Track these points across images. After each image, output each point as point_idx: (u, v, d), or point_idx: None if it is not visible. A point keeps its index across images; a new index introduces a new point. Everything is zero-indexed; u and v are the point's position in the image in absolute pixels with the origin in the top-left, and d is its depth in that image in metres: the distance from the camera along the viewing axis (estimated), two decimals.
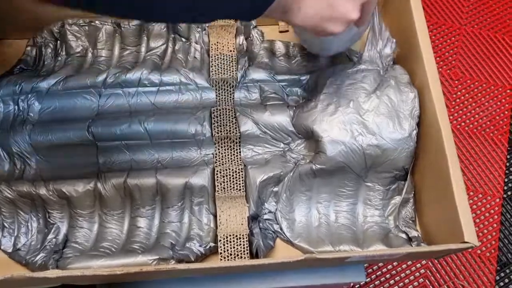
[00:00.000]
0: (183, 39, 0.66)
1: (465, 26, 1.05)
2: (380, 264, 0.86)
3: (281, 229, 0.59)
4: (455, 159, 0.51)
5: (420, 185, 0.59)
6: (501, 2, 1.08)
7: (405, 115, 0.57)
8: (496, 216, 0.90)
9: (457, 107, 0.98)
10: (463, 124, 0.97)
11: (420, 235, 0.58)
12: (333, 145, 0.56)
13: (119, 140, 0.59)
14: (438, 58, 1.02)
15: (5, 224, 0.57)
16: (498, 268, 0.87)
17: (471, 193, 0.92)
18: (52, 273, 0.48)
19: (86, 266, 0.54)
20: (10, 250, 0.56)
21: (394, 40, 0.60)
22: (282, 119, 0.60)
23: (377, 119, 0.56)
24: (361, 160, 0.57)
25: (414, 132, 0.57)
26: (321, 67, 0.64)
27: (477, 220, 0.90)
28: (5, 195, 0.56)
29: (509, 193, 0.93)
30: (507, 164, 0.94)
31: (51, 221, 0.57)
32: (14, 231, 0.57)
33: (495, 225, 0.90)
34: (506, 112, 0.98)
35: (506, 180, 0.93)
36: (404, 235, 0.58)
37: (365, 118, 0.57)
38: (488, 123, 0.97)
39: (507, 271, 0.88)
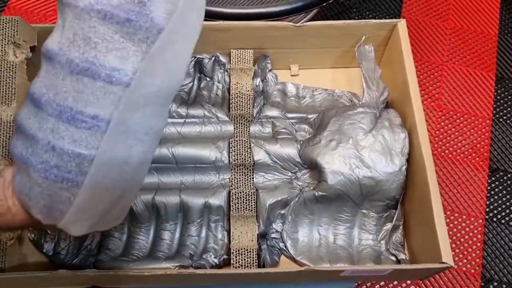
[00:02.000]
0: (208, 78, 0.73)
1: (447, 62, 1.12)
2: (369, 284, 0.91)
3: (286, 247, 0.65)
4: (436, 191, 0.57)
5: (408, 213, 0.65)
6: (479, 41, 1.15)
7: (396, 152, 0.63)
8: (479, 236, 0.95)
9: (441, 136, 1.04)
10: (447, 151, 1.02)
11: (407, 258, 0.64)
12: (333, 175, 0.62)
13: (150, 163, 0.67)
14: (423, 92, 1.08)
15: (48, 231, 0.64)
16: (482, 284, 0.92)
17: (456, 215, 0.96)
18: (91, 271, 0.54)
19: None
20: (51, 254, 0.63)
21: (388, 88, 0.68)
22: (290, 151, 0.66)
23: (372, 155, 0.63)
24: (357, 189, 0.63)
25: (404, 167, 0.63)
26: (326, 109, 0.71)
27: (462, 240, 0.94)
28: None
29: (490, 214, 0.97)
30: (488, 188, 0.99)
31: None
32: (55, 237, 0.63)
33: (478, 244, 0.94)
34: (486, 140, 1.04)
35: (487, 202, 0.98)
36: (393, 258, 0.64)
37: (362, 154, 0.63)
38: (470, 150, 1.03)
39: (491, 286, 0.92)
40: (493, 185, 1.00)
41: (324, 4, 0.82)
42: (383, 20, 0.68)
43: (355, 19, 1.18)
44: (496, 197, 0.99)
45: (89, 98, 0.35)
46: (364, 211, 0.66)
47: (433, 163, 0.60)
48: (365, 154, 0.63)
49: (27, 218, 0.40)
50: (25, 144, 0.37)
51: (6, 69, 0.65)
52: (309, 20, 0.95)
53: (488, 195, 0.99)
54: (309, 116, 0.70)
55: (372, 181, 0.63)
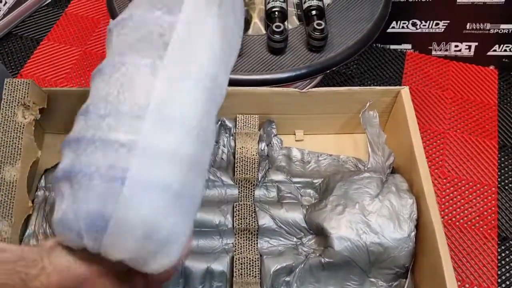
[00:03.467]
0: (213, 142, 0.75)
1: (449, 130, 1.13)
2: None
3: None
4: (448, 261, 0.56)
5: (419, 283, 0.64)
6: (479, 110, 1.16)
7: (404, 218, 0.62)
8: None
9: (447, 204, 1.02)
10: (454, 219, 1.01)
11: None
12: (340, 241, 0.61)
13: None
14: (426, 159, 1.08)
15: None
16: None
17: (467, 286, 0.93)
18: None
19: None
20: None
21: (393, 154, 0.68)
22: (296, 216, 0.65)
23: (380, 220, 0.62)
24: (365, 256, 0.62)
25: (413, 233, 0.62)
26: (332, 173, 0.71)
27: None
28: None
29: (503, 285, 0.94)
30: (499, 257, 0.96)
31: None
32: None
33: None
34: (493, 208, 1.02)
35: (499, 272, 0.95)
36: None
37: (369, 219, 0.62)
38: (477, 218, 1.01)
39: None
40: (503, 254, 0.98)
41: (328, 71, 0.84)
42: (386, 87, 0.70)
43: None
44: (507, 267, 0.96)
45: None
46: (373, 279, 0.64)
47: (443, 229, 0.58)
48: (372, 220, 0.62)
49: (63, 277, 0.38)
50: (69, 156, 0.38)
51: (14, 130, 0.65)
52: (313, 88, 0.98)
53: (499, 264, 0.97)
54: (315, 181, 0.70)
55: (380, 248, 0.62)
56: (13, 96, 0.66)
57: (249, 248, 0.64)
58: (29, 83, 0.67)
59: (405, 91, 0.69)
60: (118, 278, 0.40)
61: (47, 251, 0.38)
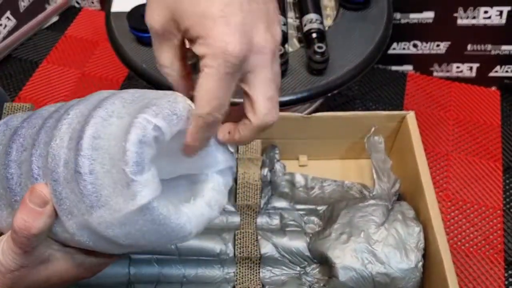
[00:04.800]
0: None
1: (452, 152, 1.11)
2: None
3: None
4: None
5: None
6: (482, 132, 1.15)
7: (411, 247, 0.61)
8: None
9: (452, 227, 1.00)
10: (459, 243, 0.98)
11: None
12: (345, 271, 0.60)
13: (151, 254, 0.64)
14: None
15: None
16: None
17: None
18: None
19: None
20: None
21: (399, 180, 0.67)
22: (299, 244, 0.64)
23: (386, 250, 0.61)
24: (371, 286, 0.60)
25: (420, 263, 0.60)
26: (336, 200, 0.70)
27: None
28: None
29: None
30: (506, 282, 0.94)
31: None
32: None
33: None
34: (499, 232, 1.00)
35: None
36: None
37: (375, 248, 0.61)
38: (483, 242, 0.98)
39: None
40: (510, 279, 0.96)
41: (329, 94, 0.83)
42: (392, 112, 0.69)
43: (358, 109, 1.20)
44: None
45: None
46: None
47: (451, 259, 0.57)
48: (378, 249, 0.61)
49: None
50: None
51: None
52: (314, 110, 0.97)
53: None
54: (318, 208, 0.69)
55: (386, 278, 0.60)
56: None
57: (251, 278, 0.63)
58: (28, 107, 0.66)
59: (410, 116, 0.68)
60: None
61: None
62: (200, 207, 0.39)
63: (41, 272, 0.39)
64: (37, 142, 0.38)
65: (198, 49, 0.34)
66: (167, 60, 0.38)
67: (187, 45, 0.37)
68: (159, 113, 0.34)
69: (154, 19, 0.36)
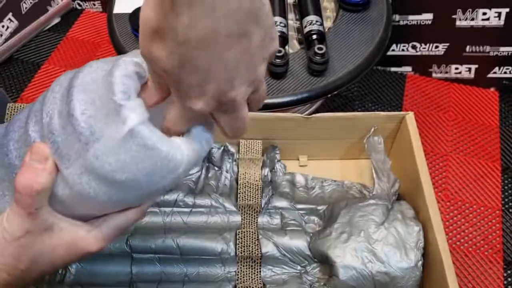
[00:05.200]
0: (216, 168, 0.73)
1: (451, 153, 1.12)
2: None
3: None
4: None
5: None
6: (481, 132, 1.16)
7: (411, 246, 0.61)
8: None
9: (451, 227, 1.01)
10: (458, 243, 0.99)
11: None
12: (345, 269, 0.60)
13: (153, 253, 0.64)
14: None
15: None
16: None
17: None
18: None
19: None
20: None
21: (398, 180, 0.68)
22: (300, 243, 0.64)
23: (386, 249, 0.61)
24: (370, 285, 0.60)
25: (420, 262, 0.61)
26: (336, 200, 0.70)
27: None
28: None
29: None
30: (505, 282, 0.95)
31: None
32: None
33: None
34: (498, 232, 1.01)
35: None
36: None
37: (375, 247, 0.61)
38: (482, 241, 0.99)
39: None
40: (509, 279, 0.96)
41: (329, 95, 0.84)
42: (391, 113, 0.70)
43: (357, 110, 1.20)
44: None
45: None
46: None
47: (450, 258, 0.57)
48: (378, 248, 0.61)
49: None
50: None
51: None
52: (314, 111, 0.98)
53: None
54: (319, 207, 0.69)
55: (386, 277, 0.60)
56: None
57: (252, 277, 0.63)
58: None
59: (410, 116, 0.69)
60: None
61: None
62: (190, 142, 0.39)
63: (46, 240, 0.39)
64: (32, 112, 0.40)
65: None
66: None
67: None
68: (136, 55, 0.37)
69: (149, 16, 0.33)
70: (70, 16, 1.34)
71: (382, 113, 0.70)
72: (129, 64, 0.36)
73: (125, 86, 0.35)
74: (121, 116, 0.34)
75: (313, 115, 0.71)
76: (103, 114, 0.35)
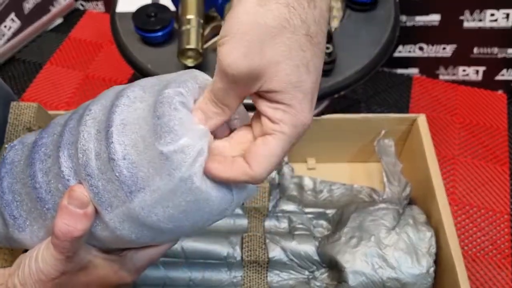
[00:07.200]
0: None
1: (459, 156, 1.10)
2: None
3: None
4: None
5: None
6: (489, 135, 1.14)
7: (423, 252, 0.60)
8: None
9: (458, 232, 0.99)
10: (466, 248, 0.98)
11: None
12: (355, 275, 0.59)
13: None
14: None
15: None
16: None
17: None
18: None
19: None
20: None
21: (410, 184, 0.66)
22: (308, 248, 0.63)
23: (397, 254, 0.60)
24: None
25: (432, 269, 0.60)
26: (345, 204, 0.69)
27: None
28: None
29: None
30: None
31: None
32: None
33: None
34: (506, 237, 0.99)
35: None
36: None
37: (385, 252, 0.60)
38: (490, 246, 0.98)
39: None
40: None
41: (336, 95, 0.82)
42: (402, 115, 0.68)
43: (363, 113, 1.19)
44: None
45: None
46: None
47: (463, 264, 0.56)
48: (388, 253, 0.60)
49: None
50: None
51: None
52: (320, 113, 0.96)
53: None
54: (327, 211, 0.68)
55: (397, 283, 0.59)
56: (18, 120, 0.65)
57: (258, 282, 0.62)
58: (35, 107, 0.66)
59: (421, 119, 0.67)
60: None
61: (8, 275, 0.39)
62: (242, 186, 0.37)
63: (81, 278, 0.38)
64: (62, 144, 0.37)
65: (275, 113, 0.34)
66: (235, 104, 0.36)
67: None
68: (181, 85, 0.34)
69: (241, 60, 0.32)
70: (72, 16, 1.33)
71: (392, 115, 0.69)
72: (173, 96, 0.33)
73: (171, 129, 0.32)
74: (167, 165, 0.32)
75: (322, 116, 0.69)
76: (147, 159, 0.33)
